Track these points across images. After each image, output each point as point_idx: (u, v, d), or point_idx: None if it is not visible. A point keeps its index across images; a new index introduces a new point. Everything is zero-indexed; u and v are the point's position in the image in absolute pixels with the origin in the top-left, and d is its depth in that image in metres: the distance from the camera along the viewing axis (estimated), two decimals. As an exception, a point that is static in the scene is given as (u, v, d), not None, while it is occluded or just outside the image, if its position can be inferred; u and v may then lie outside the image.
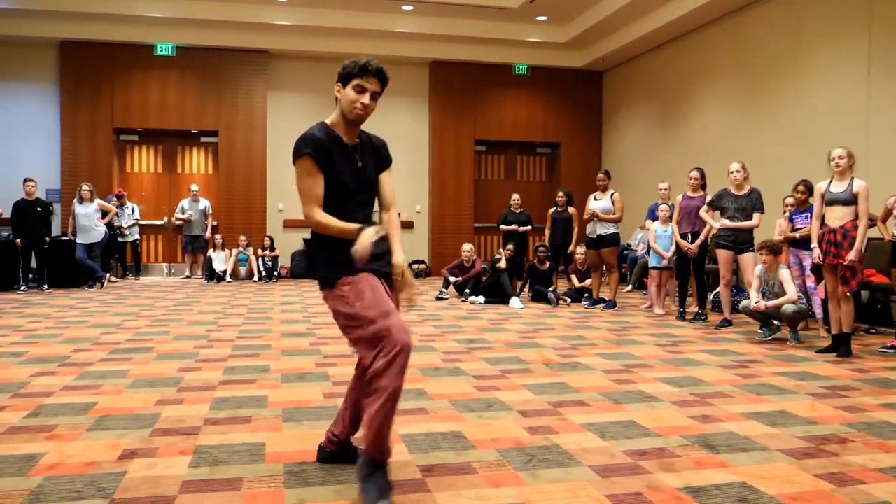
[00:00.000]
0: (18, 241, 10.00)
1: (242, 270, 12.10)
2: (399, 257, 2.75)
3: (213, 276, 11.76)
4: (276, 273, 12.04)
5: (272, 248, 12.19)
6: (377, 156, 2.91)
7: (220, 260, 11.92)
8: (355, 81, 2.72)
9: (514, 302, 8.66)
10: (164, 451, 3.18)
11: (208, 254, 12.02)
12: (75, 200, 10.65)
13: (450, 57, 13.26)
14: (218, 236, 12.11)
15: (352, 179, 2.74)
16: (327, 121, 2.81)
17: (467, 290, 9.32)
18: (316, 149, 2.68)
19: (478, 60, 13.39)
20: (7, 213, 10.12)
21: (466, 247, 9.85)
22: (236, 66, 12.68)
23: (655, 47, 12.16)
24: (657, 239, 8.28)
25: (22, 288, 10.07)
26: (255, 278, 11.97)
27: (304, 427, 3.56)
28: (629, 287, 10.83)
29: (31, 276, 10.51)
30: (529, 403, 4.06)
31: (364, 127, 2.88)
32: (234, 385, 4.44)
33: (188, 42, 12.34)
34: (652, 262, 8.36)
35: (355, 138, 2.83)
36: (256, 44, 12.53)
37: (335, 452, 3.01)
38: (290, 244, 12.85)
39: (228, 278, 11.88)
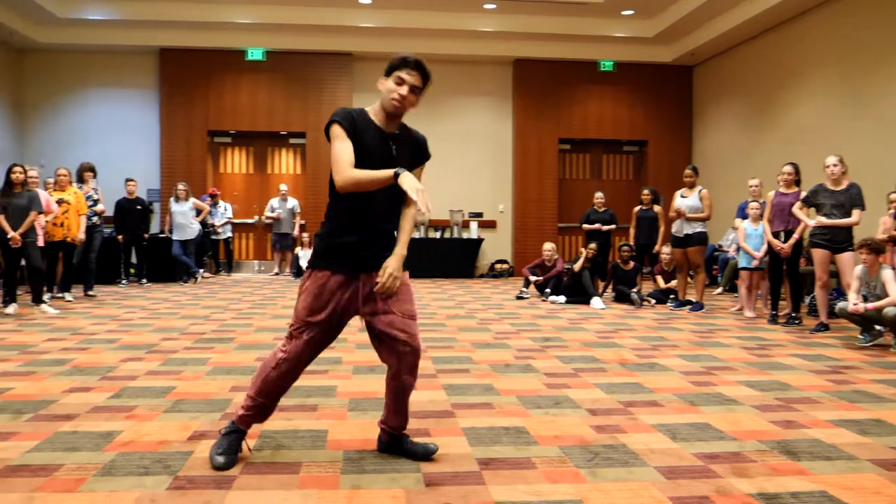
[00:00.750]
0: (120, 237, 10.58)
1: (327, 268, 12.33)
2: (395, 258, 2.76)
3: (300, 273, 12.08)
4: (359, 271, 12.22)
5: (356, 247, 12.37)
6: (415, 149, 2.92)
7: (307, 258, 12.19)
8: (396, 73, 2.75)
9: (596, 302, 8.46)
10: (231, 434, 3.25)
11: (296, 252, 12.36)
12: (172, 199, 11.19)
13: (533, 55, 13.13)
14: (305, 235, 12.43)
15: (382, 164, 2.71)
16: (367, 108, 2.83)
17: (548, 290, 9.18)
18: (343, 118, 2.74)
19: (562, 58, 13.20)
20: (110, 212, 10.72)
21: (548, 246, 9.71)
22: (321, 69, 12.99)
23: (750, 38, 11.63)
24: (747, 238, 7.90)
25: (123, 282, 10.66)
26: (340, 276, 12.18)
27: (369, 416, 3.58)
28: (719, 289, 10.39)
29: (131, 270, 11.10)
30: (599, 402, 3.94)
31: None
32: (306, 375, 4.46)
33: (277, 47, 12.74)
34: (741, 262, 7.98)
35: (394, 130, 2.83)
36: (340, 46, 12.79)
37: (388, 443, 3.00)
38: (373, 243, 13.02)
39: (314, 275, 12.13)
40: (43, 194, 7.89)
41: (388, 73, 2.77)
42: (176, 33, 12.35)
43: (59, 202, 8.32)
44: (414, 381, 2.91)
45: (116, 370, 4.62)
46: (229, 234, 12.57)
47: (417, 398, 3.92)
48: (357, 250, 2.75)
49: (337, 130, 2.71)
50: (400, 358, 2.84)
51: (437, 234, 12.91)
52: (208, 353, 5.22)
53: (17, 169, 7.58)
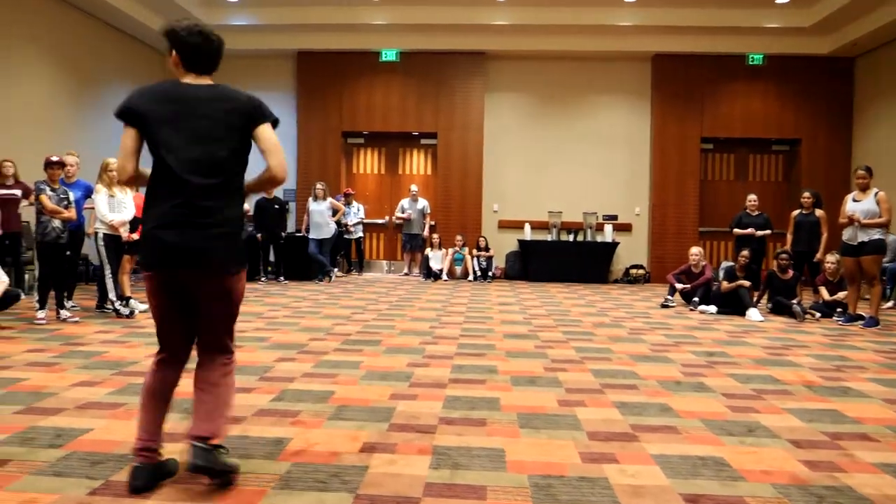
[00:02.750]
0: (259, 236, 10.88)
1: (458, 270, 12.23)
2: None
3: (429, 274, 12.01)
4: (490, 273, 12.03)
5: (486, 249, 12.20)
6: None
7: (437, 259, 12.14)
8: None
9: (753, 314, 7.81)
10: (403, 447, 3.07)
11: (426, 252, 12.30)
12: (310, 199, 11.39)
13: (674, 49, 12.46)
14: (435, 236, 12.36)
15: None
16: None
17: (696, 299, 8.59)
18: None
19: (705, 52, 12.45)
20: (252, 211, 11.05)
21: (695, 250, 9.10)
22: (454, 69, 12.88)
23: (926, 26, 10.51)
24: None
25: (262, 279, 10.95)
26: (470, 278, 12.04)
27: (542, 436, 3.30)
28: (889, 303, 9.40)
29: (269, 268, 11.39)
30: (799, 432, 3.47)
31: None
32: (464, 384, 4.29)
33: (410, 47, 12.74)
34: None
35: None
36: (474, 45, 12.63)
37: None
38: (504, 245, 12.80)
39: (445, 277, 12.06)
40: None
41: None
42: (312, 36, 12.60)
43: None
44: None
45: (272, 370, 4.58)
46: (361, 234, 12.68)
47: (590, 416, 3.62)
48: None
49: None
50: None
51: (570, 238, 12.49)
52: (359, 356, 5.11)
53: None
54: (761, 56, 12.50)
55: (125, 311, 6.97)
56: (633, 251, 12.85)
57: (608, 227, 12.49)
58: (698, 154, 12.77)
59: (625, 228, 12.86)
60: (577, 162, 13.02)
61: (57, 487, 2.59)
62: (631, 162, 12.95)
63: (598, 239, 12.48)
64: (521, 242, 12.59)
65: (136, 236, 7.32)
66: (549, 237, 12.53)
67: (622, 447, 3.16)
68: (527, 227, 12.53)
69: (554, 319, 7.39)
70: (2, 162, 7.83)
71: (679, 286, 8.95)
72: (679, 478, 2.79)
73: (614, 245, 12.39)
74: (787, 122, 12.67)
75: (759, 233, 9.19)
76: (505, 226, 13.00)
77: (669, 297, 8.95)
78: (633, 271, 12.59)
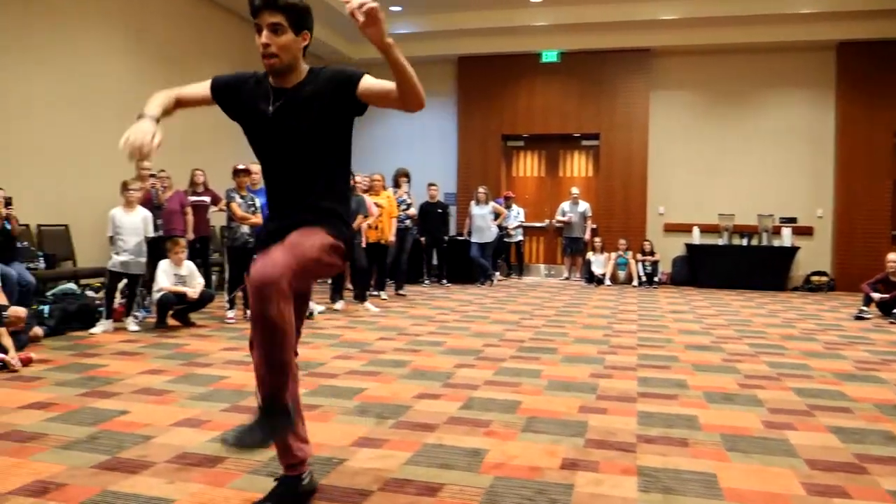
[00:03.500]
0: (422, 239, 11.10)
1: (621, 274, 11.86)
2: None
3: (591, 278, 11.73)
4: (655, 279, 11.56)
5: (651, 253, 11.74)
6: (326, 87, 2.40)
7: (599, 263, 11.84)
8: (255, 22, 2.29)
9: (970, 328, 6.94)
10: (605, 466, 2.94)
11: (587, 256, 12.04)
12: (472, 202, 11.48)
13: (862, 36, 11.36)
14: (597, 239, 12.06)
15: (259, 126, 2.46)
16: None
17: (895, 311, 7.77)
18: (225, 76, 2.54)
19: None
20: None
21: (892, 257, 8.21)
22: (617, 67, 12.50)
23: None
24: None
25: (426, 281, 11.17)
26: (635, 283, 11.63)
27: (754, 461, 3.05)
28: None
29: (432, 271, 11.60)
30: None
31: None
32: (655, 399, 4.09)
33: (571, 47, 12.52)
34: None
35: (286, 84, 2.39)
36: (638, 42, 12.18)
37: None
38: (670, 249, 12.25)
39: (608, 282, 11.73)
40: (367, 199, 8.43)
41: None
42: (473, 41, 12.68)
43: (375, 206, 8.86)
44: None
45: (454, 377, 4.59)
46: (521, 238, 12.63)
47: (805, 442, 3.32)
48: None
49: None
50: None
51: (744, 242, 11.73)
52: (537, 364, 5.03)
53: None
54: (970, 38, 11.14)
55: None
56: (814, 256, 11.86)
57: (786, 231, 11.60)
58: (892, 150, 11.57)
59: (805, 232, 11.90)
60: (750, 161, 12.22)
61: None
62: (812, 160, 11.97)
63: (775, 243, 11.63)
64: (689, 246, 11.99)
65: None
66: (719, 241, 11.85)
67: (850, 479, 2.85)
68: (695, 230, 11.92)
69: (735, 330, 6.94)
70: (193, 171, 8.51)
71: (876, 296, 8.13)
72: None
73: (794, 250, 11.50)
74: None
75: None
76: (671, 229, 12.44)
77: (864, 308, 8.14)
78: (815, 278, 11.62)
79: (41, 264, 7.24)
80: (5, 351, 4.74)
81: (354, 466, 2.92)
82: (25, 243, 7.00)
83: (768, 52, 12.02)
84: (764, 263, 11.53)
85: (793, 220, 11.91)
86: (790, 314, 8.39)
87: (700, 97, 12.42)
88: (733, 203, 12.06)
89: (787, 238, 11.52)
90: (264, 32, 2.25)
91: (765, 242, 11.65)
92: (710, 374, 4.85)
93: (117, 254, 6.39)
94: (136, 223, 6.49)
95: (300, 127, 2.34)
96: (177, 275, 6.61)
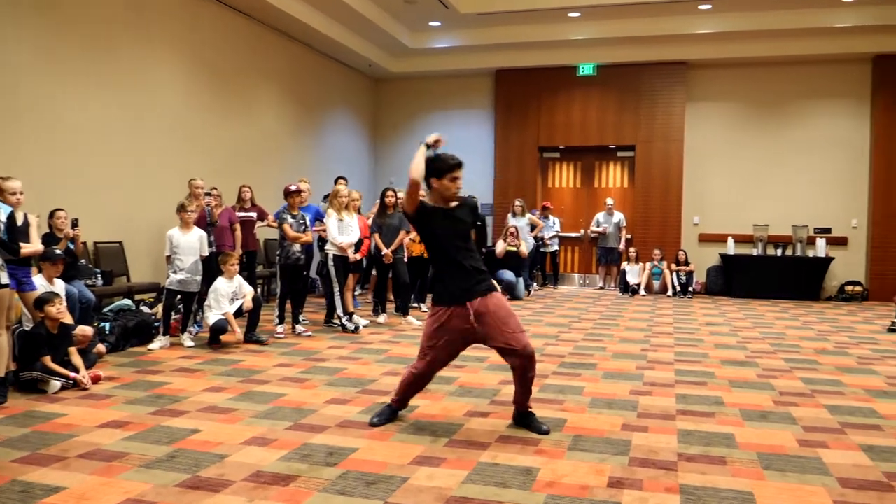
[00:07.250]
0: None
1: (656, 284, 12.02)
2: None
3: (626, 288, 11.91)
4: (690, 289, 11.69)
5: (686, 263, 11.88)
6: (471, 209, 4.27)
7: (634, 273, 12.01)
8: (449, 175, 4.08)
9: None
10: (649, 484, 3.19)
11: (622, 266, 12.21)
12: (509, 214, 11.73)
13: (898, 48, 11.41)
14: (632, 249, 12.23)
15: (451, 233, 4.07)
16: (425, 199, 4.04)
17: (933, 324, 7.84)
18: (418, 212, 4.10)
19: (939, 48, 11.27)
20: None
21: (929, 271, 8.31)
22: (654, 80, 12.67)
23: None
24: None
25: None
26: (669, 293, 11.78)
27: (790, 480, 3.27)
28: None
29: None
30: None
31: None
32: (693, 417, 4.32)
33: (608, 60, 12.70)
34: None
35: (451, 205, 4.16)
36: (675, 55, 12.34)
37: (518, 416, 4.12)
38: (705, 259, 12.38)
39: (642, 292, 11.90)
40: (409, 215, 8.71)
41: (439, 176, 4.02)
42: (510, 54, 12.94)
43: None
44: (534, 373, 4.00)
45: (500, 394, 4.84)
46: (556, 248, 12.84)
47: (837, 460, 3.52)
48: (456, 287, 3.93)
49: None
50: (522, 361, 3.87)
51: (778, 252, 11.82)
52: (579, 381, 5.27)
53: (390, 192, 8.49)
54: None
55: (350, 326, 7.61)
56: (849, 267, 11.91)
57: (820, 241, 11.66)
58: (930, 160, 11.58)
59: (839, 242, 11.94)
60: (784, 172, 12.30)
61: (347, 506, 2.95)
62: (847, 171, 12.01)
63: (809, 253, 11.70)
64: (724, 257, 12.11)
65: (359, 256, 8.00)
66: (754, 251, 11.95)
67: (880, 498, 3.06)
68: (730, 240, 12.03)
69: (770, 344, 7.10)
70: (241, 188, 8.87)
71: (912, 309, 8.21)
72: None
73: (828, 260, 11.55)
74: None
75: None
76: (706, 239, 12.57)
77: (901, 321, 8.24)
78: (850, 288, 11.66)
79: (99, 281, 7.49)
80: (76, 370, 5.00)
81: (416, 484, 3.17)
82: (83, 261, 7.27)
83: (804, 65, 12.10)
84: (798, 274, 11.60)
85: (827, 230, 11.96)
86: (824, 326, 8.50)
87: (736, 109, 12.53)
88: (768, 213, 12.15)
89: (821, 248, 11.58)
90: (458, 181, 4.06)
91: (799, 253, 11.73)
92: (746, 390, 5.05)
93: (175, 272, 6.69)
94: (192, 243, 6.81)
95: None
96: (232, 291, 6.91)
